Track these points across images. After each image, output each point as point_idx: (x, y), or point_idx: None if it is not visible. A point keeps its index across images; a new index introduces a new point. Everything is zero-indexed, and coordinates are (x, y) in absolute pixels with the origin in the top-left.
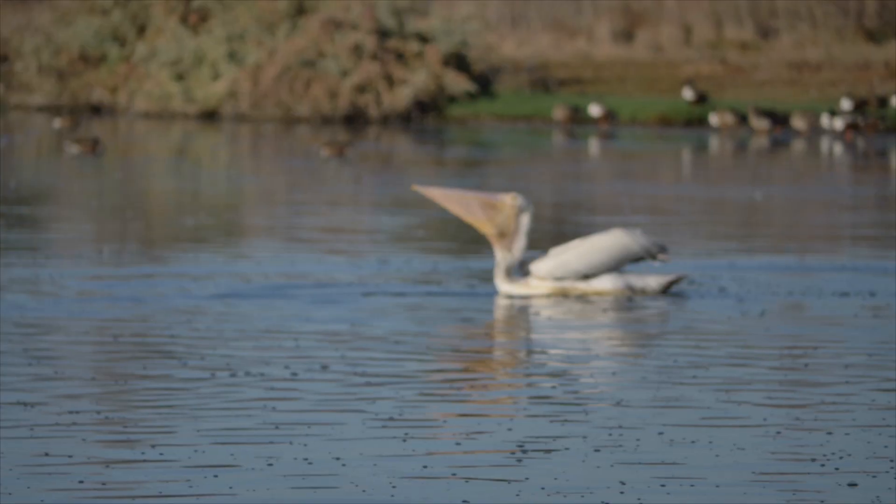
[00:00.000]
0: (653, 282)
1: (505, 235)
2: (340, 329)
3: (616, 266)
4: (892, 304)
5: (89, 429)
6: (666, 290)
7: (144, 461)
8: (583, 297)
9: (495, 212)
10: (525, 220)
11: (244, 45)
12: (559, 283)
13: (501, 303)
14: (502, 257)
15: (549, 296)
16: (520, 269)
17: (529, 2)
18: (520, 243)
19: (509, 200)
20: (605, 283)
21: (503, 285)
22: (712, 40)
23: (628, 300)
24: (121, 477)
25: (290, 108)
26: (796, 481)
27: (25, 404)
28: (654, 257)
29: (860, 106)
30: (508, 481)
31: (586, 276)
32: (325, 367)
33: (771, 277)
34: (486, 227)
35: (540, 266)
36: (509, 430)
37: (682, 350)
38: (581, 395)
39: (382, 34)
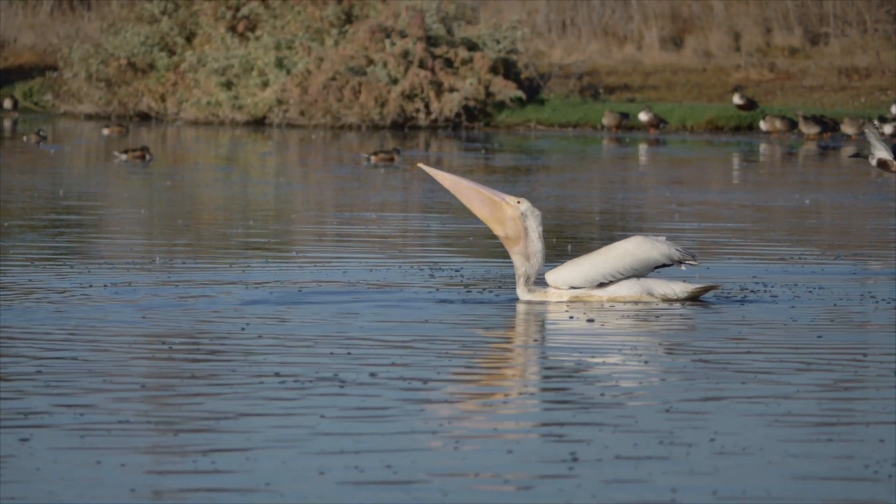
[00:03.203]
0: (678, 289)
1: (512, 240)
2: (391, 336)
3: (636, 274)
4: None
5: (140, 437)
6: (694, 299)
7: (196, 469)
8: (619, 305)
9: (500, 212)
10: (531, 225)
11: (293, 53)
12: (575, 292)
13: (541, 311)
14: (520, 264)
15: (568, 304)
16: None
17: (578, 9)
18: (534, 247)
19: (512, 203)
20: (623, 289)
21: (523, 295)
22: (761, 46)
23: (681, 306)
24: (172, 485)
25: (339, 115)
26: (848, 489)
27: (76, 412)
28: (679, 263)
29: None
30: (560, 489)
31: (602, 284)
32: (374, 375)
33: (822, 284)
34: (493, 227)
35: (555, 275)
36: (560, 437)
37: (732, 357)
38: (630, 402)
39: (431, 41)
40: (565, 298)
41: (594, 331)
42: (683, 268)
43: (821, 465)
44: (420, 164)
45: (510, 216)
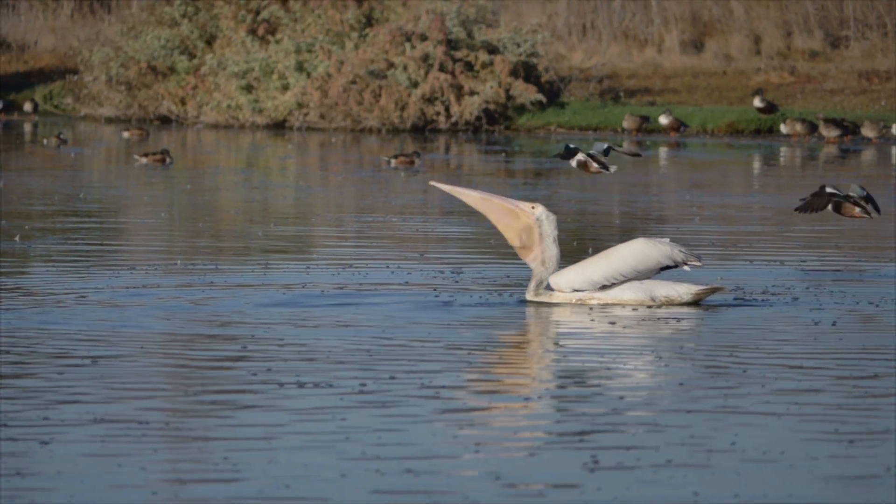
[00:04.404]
0: (682, 291)
1: (527, 248)
2: (412, 339)
3: (639, 276)
4: None
5: (161, 440)
6: (699, 301)
7: (217, 472)
8: (642, 309)
9: (516, 220)
10: (547, 230)
11: (313, 56)
12: (578, 295)
13: (562, 314)
14: (535, 268)
15: (573, 306)
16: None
17: (599, 12)
18: (549, 252)
19: (527, 210)
20: (627, 292)
21: (530, 297)
22: (781, 50)
23: (703, 309)
24: (194, 488)
25: (359, 118)
26: (870, 492)
27: (96, 416)
28: (684, 265)
29: None
30: (581, 492)
31: (605, 287)
32: (394, 378)
33: (844, 286)
34: (509, 237)
35: (559, 278)
36: (581, 440)
37: (752, 359)
38: (651, 405)
39: (451, 45)
40: (573, 301)
41: (615, 334)
42: (688, 268)
43: (842, 467)
44: (432, 183)
45: (525, 224)
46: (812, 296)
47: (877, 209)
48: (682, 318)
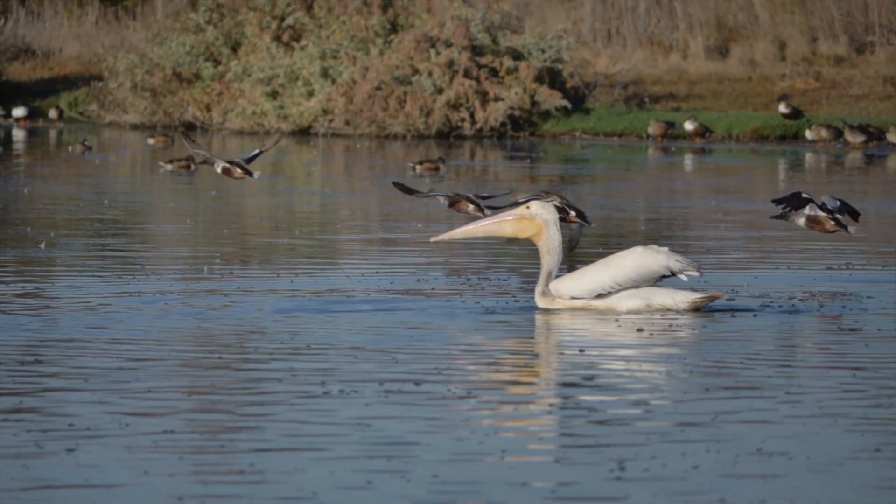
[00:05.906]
0: (680, 299)
1: (538, 235)
2: (437, 345)
3: (637, 284)
4: None
5: (187, 446)
6: (698, 310)
7: (242, 479)
8: (670, 314)
9: (520, 224)
10: (548, 220)
11: (338, 63)
12: (577, 302)
13: (587, 320)
14: (543, 258)
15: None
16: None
17: (623, 18)
18: (554, 240)
19: (525, 213)
20: (624, 299)
21: (538, 300)
22: (807, 55)
23: (731, 315)
24: (220, 496)
25: (384, 124)
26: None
27: (122, 423)
28: (683, 273)
29: None
30: (608, 499)
31: (601, 295)
32: (418, 384)
33: (869, 292)
34: (521, 235)
35: (559, 285)
36: (607, 446)
37: (778, 367)
38: (676, 412)
39: (476, 51)
40: (577, 306)
41: (639, 340)
42: (685, 278)
43: (868, 473)
44: (433, 240)
45: (529, 225)
46: (837, 302)
47: (855, 216)
48: (707, 325)
